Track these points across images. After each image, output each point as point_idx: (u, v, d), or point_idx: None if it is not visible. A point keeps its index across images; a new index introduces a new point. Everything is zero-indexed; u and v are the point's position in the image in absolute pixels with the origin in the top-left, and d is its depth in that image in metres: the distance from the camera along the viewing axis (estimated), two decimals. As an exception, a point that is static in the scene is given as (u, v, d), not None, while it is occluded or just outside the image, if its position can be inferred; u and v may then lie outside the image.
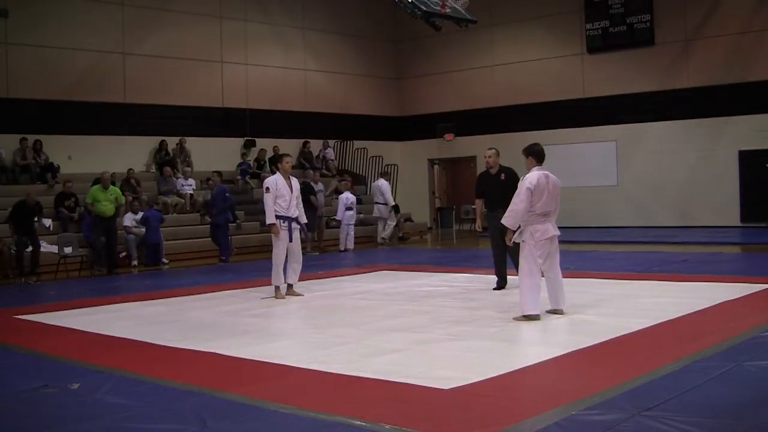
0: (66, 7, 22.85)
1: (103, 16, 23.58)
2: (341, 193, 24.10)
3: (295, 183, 12.88)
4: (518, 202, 10.03)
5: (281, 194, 12.61)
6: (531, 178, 10.16)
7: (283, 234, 12.63)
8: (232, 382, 7.26)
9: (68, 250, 18.26)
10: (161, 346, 9.10)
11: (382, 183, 24.21)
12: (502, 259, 12.76)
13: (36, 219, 18.38)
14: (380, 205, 23.53)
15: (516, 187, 10.69)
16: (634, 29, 26.36)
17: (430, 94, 31.14)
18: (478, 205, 13.25)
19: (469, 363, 7.61)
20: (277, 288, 12.78)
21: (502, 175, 12.74)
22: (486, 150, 13.19)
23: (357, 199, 24.38)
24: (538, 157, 10.44)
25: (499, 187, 12.49)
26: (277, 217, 12.56)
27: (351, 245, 23.11)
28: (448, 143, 29.49)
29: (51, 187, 21.21)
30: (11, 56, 21.85)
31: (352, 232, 23.30)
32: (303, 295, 12.76)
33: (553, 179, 10.24)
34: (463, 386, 6.65)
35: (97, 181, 19.02)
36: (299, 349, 8.59)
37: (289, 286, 12.89)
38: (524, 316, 9.79)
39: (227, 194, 21.18)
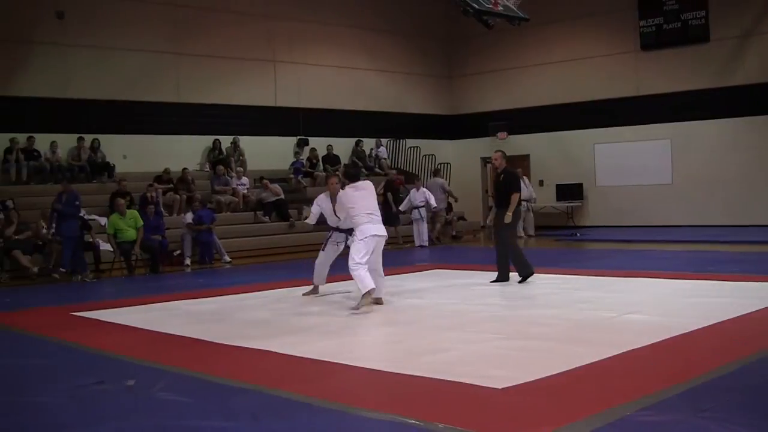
0: (120, 8, 23.06)
1: (157, 16, 23.80)
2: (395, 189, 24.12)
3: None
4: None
5: (327, 214, 12.66)
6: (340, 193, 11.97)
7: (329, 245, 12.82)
8: (284, 380, 7.28)
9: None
10: (214, 344, 9.15)
11: (437, 182, 24.36)
12: (502, 254, 13.50)
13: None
14: (421, 208, 23.29)
15: (511, 188, 13.07)
16: (689, 26, 26.06)
17: (483, 92, 31.02)
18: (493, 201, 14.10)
19: (522, 362, 7.56)
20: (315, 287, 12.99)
21: (502, 176, 13.53)
22: (493, 152, 14.10)
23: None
24: (350, 179, 12.13)
25: (500, 186, 13.60)
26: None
27: (424, 241, 23.07)
28: (501, 142, 29.38)
29: (105, 185, 21.47)
30: (68, 57, 22.13)
31: (424, 228, 23.21)
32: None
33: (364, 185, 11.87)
34: (516, 385, 6.60)
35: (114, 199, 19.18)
36: (351, 347, 8.59)
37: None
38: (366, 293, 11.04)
39: (78, 202, 18.08)
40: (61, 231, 17.47)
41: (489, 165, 30.62)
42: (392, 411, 6.01)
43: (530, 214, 25.14)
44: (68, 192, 17.93)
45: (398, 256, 21.06)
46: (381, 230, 11.58)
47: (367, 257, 11.28)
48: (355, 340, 9.05)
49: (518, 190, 13.44)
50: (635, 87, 27.18)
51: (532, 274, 13.32)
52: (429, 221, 24.05)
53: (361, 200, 11.62)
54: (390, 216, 21.97)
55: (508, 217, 13.20)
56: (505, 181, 13.38)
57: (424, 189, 23.38)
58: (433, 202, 23.09)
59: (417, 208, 22.87)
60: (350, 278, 13.39)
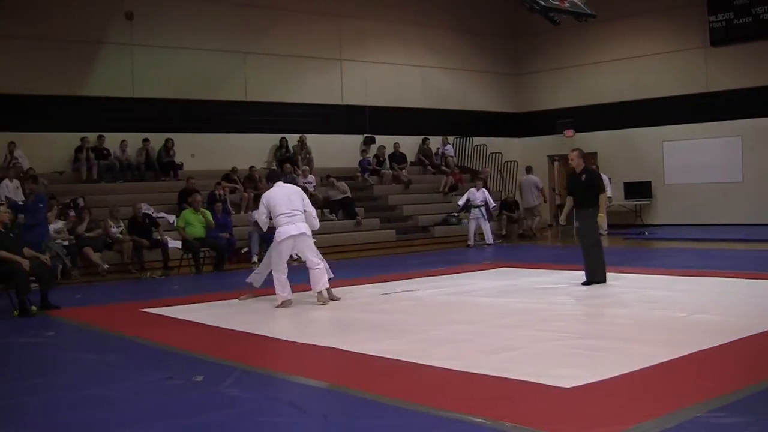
0: (188, 9, 23.31)
1: (224, 16, 23.99)
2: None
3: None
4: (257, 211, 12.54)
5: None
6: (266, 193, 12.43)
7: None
8: (352, 378, 7.30)
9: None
10: (281, 341, 9.21)
11: (531, 180, 24.51)
12: (590, 256, 12.97)
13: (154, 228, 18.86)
14: (481, 207, 23.19)
15: (596, 188, 12.68)
16: (760, 20, 25.60)
17: (549, 89, 30.83)
18: (568, 201, 13.65)
19: (590, 361, 7.49)
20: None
21: (584, 175, 13.03)
22: (570, 151, 13.52)
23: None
24: (271, 179, 13.03)
25: (582, 187, 12.99)
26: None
27: (489, 240, 22.99)
28: (568, 139, 29.14)
29: (173, 183, 21.75)
30: (136, 57, 22.42)
31: (486, 227, 23.11)
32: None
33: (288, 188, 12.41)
34: (584, 385, 6.54)
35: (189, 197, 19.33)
36: (418, 345, 8.57)
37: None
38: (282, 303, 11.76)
39: (42, 204, 16.30)
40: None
41: (556, 163, 30.45)
42: (459, 410, 5.99)
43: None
44: (34, 193, 16.81)
45: (466, 254, 21.04)
46: (299, 229, 12.03)
47: (282, 264, 12.04)
48: (422, 338, 9.02)
49: (604, 189, 13.23)
50: (704, 83, 26.79)
51: (602, 282, 12.92)
52: (525, 217, 24.78)
53: (281, 199, 12.04)
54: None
55: (602, 219, 12.92)
56: (588, 180, 12.92)
57: (484, 189, 23.31)
58: (491, 202, 23.06)
59: (477, 207, 22.79)
60: (412, 276, 13.48)
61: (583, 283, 12.86)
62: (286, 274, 11.97)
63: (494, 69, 30.92)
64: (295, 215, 11.98)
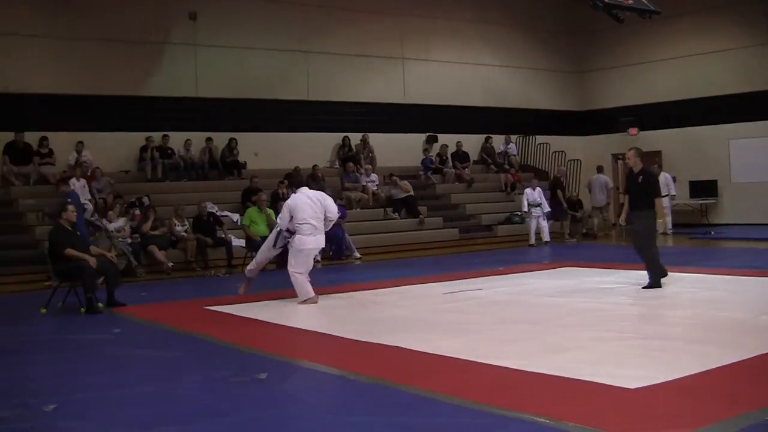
0: (250, 8, 23.50)
1: (286, 15, 24.12)
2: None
3: None
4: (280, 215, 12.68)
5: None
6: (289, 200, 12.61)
7: None
8: (413, 376, 7.29)
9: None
10: (343, 338, 9.23)
11: (601, 179, 24.45)
12: (648, 258, 12.64)
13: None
14: (538, 206, 23.05)
15: (653, 190, 12.43)
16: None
17: (612, 87, 30.52)
18: (626, 200, 13.41)
19: (655, 362, 7.41)
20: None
21: (641, 177, 12.73)
22: (627, 150, 13.33)
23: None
24: (295, 186, 13.34)
25: (638, 187, 12.71)
26: None
27: (546, 238, 22.89)
28: (631, 138, 28.85)
29: (236, 182, 21.93)
30: (200, 57, 22.64)
31: (544, 225, 23.00)
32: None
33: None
34: (649, 386, 6.47)
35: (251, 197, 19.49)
36: (480, 344, 8.54)
37: None
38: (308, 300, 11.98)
39: None
40: None
41: (621, 161, 30.16)
42: (521, 409, 5.96)
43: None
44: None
45: (528, 253, 20.95)
46: (319, 243, 12.46)
47: (309, 267, 12.47)
48: (486, 338, 8.99)
49: (660, 194, 13.06)
50: (771, 80, 26.40)
51: (658, 286, 12.62)
52: (592, 216, 24.96)
53: (305, 207, 12.25)
54: (559, 211, 23.54)
55: (660, 223, 12.94)
56: (645, 182, 12.63)
57: (539, 189, 23.20)
58: (546, 205, 22.93)
59: (536, 206, 22.69)
60: (475, 276, 13.45)
61: (643, 287, 12.57)
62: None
63: (557, 67, 30.70)
64: (319, 227, 12.28)
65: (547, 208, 22.90)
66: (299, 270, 12.19)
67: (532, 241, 22.66)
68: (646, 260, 12.68)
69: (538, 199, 22.81)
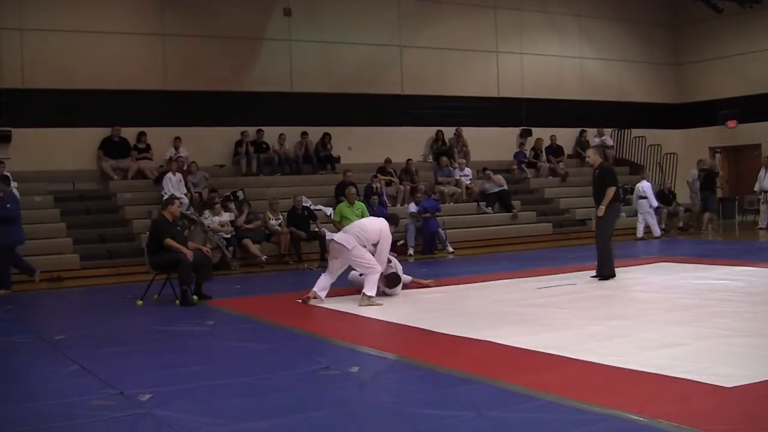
0: (344, 4, 23.61)
1: (380, 10, 24.19)
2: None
3: None
4: None
5: None
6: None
7: None
8: (508, 371, 7.24)
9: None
10: (438, 333, 9.20)
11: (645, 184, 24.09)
12: (598, 248, 13.63)
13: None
14: (642, 200, 22.68)
15: (606, 182, 13.38)
16: None
17: (710, 79, 29.87)
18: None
19: (753, 361, 7.25)
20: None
21: (597, 171, 13.87)
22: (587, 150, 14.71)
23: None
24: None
25: (595, 182, 13.92)
26: None
27: (656, 233, 22.57)
28: (730, 131, 28.25)
29: (330, 176, 22.03)
30: (294, 52, 22.80)
31: (652, 220, 22.67)
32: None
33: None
34: (747, 385, 6.33)
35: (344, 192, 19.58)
36: (575, 340, 8.45)
37: None
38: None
39: (8, 205, 14.89)
40: None
41: (718, 155, 29.60)
42: (616, 406, 5.89)
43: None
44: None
45: (624, 248, 20.65)
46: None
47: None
48: (580, 333, 8.88)
49: (612, 184, 13.46)
50: None
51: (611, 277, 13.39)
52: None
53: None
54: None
55: (601, 210, 13.38)
56: (600, 176, 13.64)
57: (646, 182, 22.85)
58: (653, 200, 22.53)
59: (644, 198, 22.35)
60: (569, 270, 13.41)
61: (591, 276, 13.54)
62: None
63: (653, 59, 30.16)
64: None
65: (654, 203, 22.54)
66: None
67: (640, 234, 22.30)
68: (597, 250, 13.59)
69: (648, 192, 22.46)
